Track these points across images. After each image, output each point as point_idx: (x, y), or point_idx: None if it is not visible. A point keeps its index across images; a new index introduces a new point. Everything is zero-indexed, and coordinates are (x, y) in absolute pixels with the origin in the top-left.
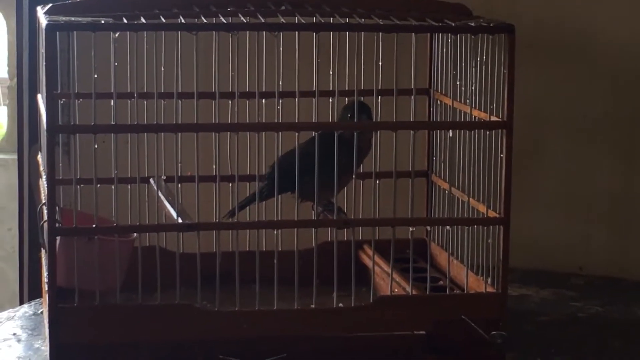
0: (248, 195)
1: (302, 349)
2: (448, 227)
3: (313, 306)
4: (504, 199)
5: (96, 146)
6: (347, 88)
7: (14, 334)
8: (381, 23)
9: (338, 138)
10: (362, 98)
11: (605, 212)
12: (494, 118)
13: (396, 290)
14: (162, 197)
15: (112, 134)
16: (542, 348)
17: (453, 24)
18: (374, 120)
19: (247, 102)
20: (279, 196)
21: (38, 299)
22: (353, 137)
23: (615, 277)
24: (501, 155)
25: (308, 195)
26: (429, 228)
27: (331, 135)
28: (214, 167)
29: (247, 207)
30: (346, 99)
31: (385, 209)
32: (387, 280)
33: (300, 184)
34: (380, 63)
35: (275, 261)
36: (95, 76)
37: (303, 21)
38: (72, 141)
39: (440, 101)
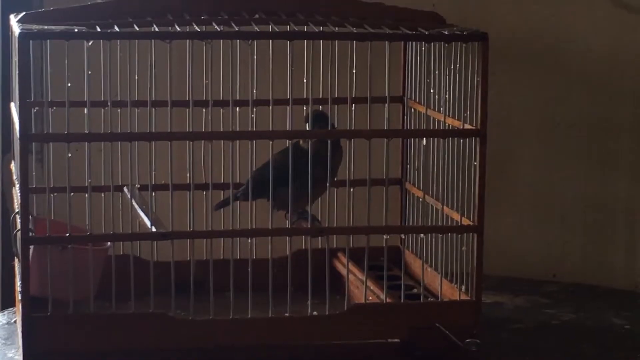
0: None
1: (277, 357)
2: (422, 234)
3: (287, 314)
4: (478, 206)
5: (69, 155)
6: (321, 96)
7: None
8: (355, 31)
9: (312, 152)
10: (320, 107)
11: (579, 219)
12: (467, 126)
13: (370, 298)
14: (136, 206)
15: (86, 143)
16: (516, 355)
17: (427, 32)
18: (329, 127)
19: (221, 110)
20: (254, 204)
21: (11, 308)
22: (326, 150)
23: (588, 284)
24: (475, 163)
25: (283, 206)
26: (403, 236)
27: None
28: (188, 175)
29: (222, 216)
30: (320, 106)
31: (359, 217)
32: (361, 288)
33: (274, 196)
34: (354, 71)
35: (249, 269)
36: (69, 85)
37: (277, 29)
38: (46, 150)
39: (414, 109)
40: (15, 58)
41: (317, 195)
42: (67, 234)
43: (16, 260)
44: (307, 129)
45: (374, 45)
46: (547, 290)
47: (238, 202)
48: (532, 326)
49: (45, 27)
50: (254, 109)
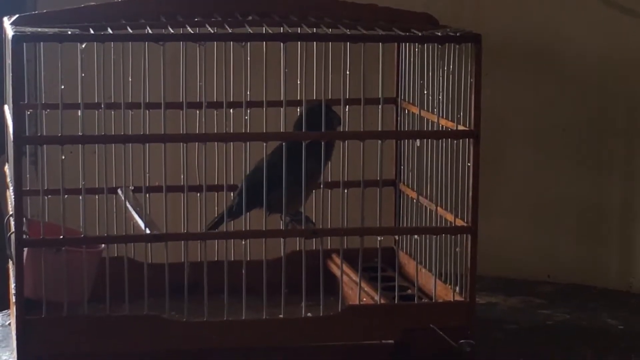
0: (217, 215)
1: (271, 358)
2: (416, 236)
3: (281, 316)
4: (472, 207)
5: (63, 157)
6: (314, 98)
7: None
8: (348, 33)
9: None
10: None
11: (573, 220)
12: (461, 127)
13: (364, 299)
14: (130, 208)
15: (80, 145)
16: (510, 356)
17: (420, 34)
18: (340, 116)
19: (215, 112)
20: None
21: (6, 311)
22: (318, 142)
23: (583, 284)
24: (468, 164)
25: (276, 208)
26: (397, 237)
27: (297, 142)
28: (182, 177)
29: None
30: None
31: (353, 219)
32: (355, 289)
33: (268, 197)
34: (347, 72)
35: (243, 271)
36: (63, 87)
37: (270, 31)
38: (39, 152)
39: (408, 110)
40: (8, 60)
41: (310, 189)
42: (61, 236)
43: (10, 262)
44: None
45: (368, 46)
46: (542, 291)
47: (232, 207)
48: (526, 327)
49: (39, 29)
50: (248, 111)
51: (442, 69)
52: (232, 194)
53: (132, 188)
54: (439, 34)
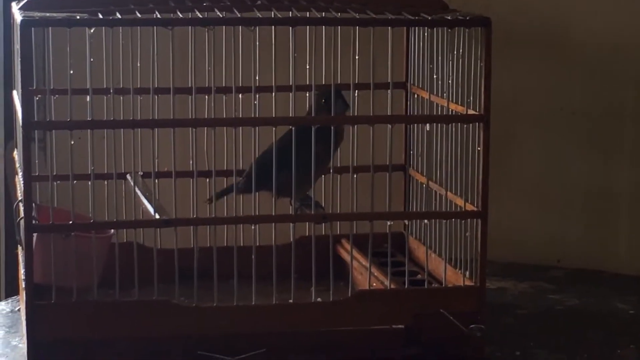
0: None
1: (281, 344)
2: (426, 220)
3: (291, 301)
4: (482, 192)
5: (72, 142)
6: (323, 82)
7: None
8: (357, 17)
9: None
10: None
11: (582, 204)
12: (471, 111)
13: (374, 284)
14: (139, 193)
15: (89, 130)
16: (520, 341)
17: (429, 18)
18: (349, 103)
19: (224, 97)
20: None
21: (15, 296)
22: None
23: (593, 269)
24: (478, 148)
25: (285, 191)
26: (407, 222)
27: (306, 127)
28: (191, 162)
29: (225, 203)
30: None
31: (363, 204)
32: (365, 274)
33: (277, 181)
34: (357, 57)
35: (253, 256)
36: (71, 72)
37: (279, 15)
38: (48, 138)
39: (417, 95)
40: (17, 46)
41: (319, 173)
42: (71, 222)
43: (19, 248)
44: (324, 105)
45: (377, 31)
46: (552, 276)
47: (239, 184)
48: (536, 312)
49: (47, 14)
50: (257, 96)
51: (452, 53)
52: (240, 178)
53: (141, 173)
54: (449, 18)
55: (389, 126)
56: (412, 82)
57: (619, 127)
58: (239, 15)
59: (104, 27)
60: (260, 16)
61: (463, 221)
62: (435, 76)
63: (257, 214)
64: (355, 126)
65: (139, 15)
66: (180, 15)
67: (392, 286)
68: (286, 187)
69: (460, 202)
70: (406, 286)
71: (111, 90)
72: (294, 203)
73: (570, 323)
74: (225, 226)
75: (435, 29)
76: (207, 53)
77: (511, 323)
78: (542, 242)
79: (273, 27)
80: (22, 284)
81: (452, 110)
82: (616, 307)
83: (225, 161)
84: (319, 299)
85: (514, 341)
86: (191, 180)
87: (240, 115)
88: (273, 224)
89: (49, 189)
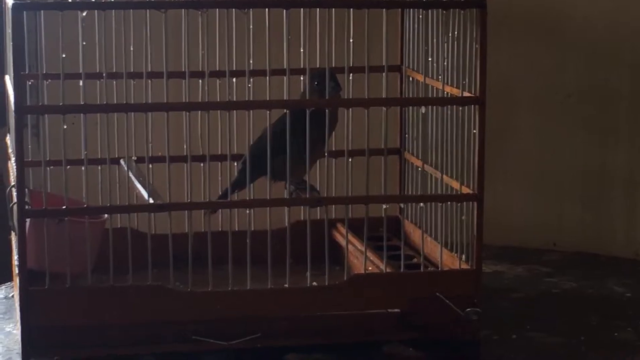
0: (220, 187)
1: (276, 328)
2: (421, 204)
3: (286, 285)
4: (477, 175)
5: (65, 127)
6: (318, 65)
7: None
8: None
9: (309, 111)
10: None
11: (578, 188)
12: (466, 94)
13: (370, 268)
14: (133, 178)
15: (82, 115)
16: (517, 324)
17: None
18: (341, 85)
19: (218, 81)
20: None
21: (9, 283)
22: (322, 110)
23: (589, 252)
24: (474, 131)
25: (281, 175)
26: (402, 205)
27: (301, 110)
28: (184, 146)
29: (219, 187)
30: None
31: (358, 187)
32: (361, 258)
33: (272, 165)
34: (351, 40)
35: (248, 241)
36: (64, 56)
37: None
38: (41, 122)
39: (412, 78)
40: (9, 30)
41: (314, 158)
42: (64, 207)
43: (13, 234)
44: (317, 87)
45: (371, 13)
46: (548, 259)
47: (236, 174)
48: (532, 295)
49: None
50: (251, 79)
51: (447, 35)
52: (236, 164)
53: (135, 158)
54: None
55: (384, 109)
56: (407, 65)
57: (615, 111)
58: None
59: (96, 11)
60: None
61: (459, 204)
62: (430, 59)
63: (251, 198)
64: (350, 109)
65: None
66: None
67: (388, 270)
68: (282, 171)
69: (456, 185)
70: (402, 270)
71: (104, 75)
72: (289, 187)
73: (566, 306)
74: (219, 210)
75: (430, 10)
76: (200, 36)
77: (507, 306)
78: (538, 226)
79: (267, 9)
80: (16, 270)
81: (447, 93)
82: (612, 290)
83: (219, 145)
84: (314, 283)
85: (510, 324)
86: (185, 164)
87: (234, 99)
88: (268, 208)
89: (41, 174)
